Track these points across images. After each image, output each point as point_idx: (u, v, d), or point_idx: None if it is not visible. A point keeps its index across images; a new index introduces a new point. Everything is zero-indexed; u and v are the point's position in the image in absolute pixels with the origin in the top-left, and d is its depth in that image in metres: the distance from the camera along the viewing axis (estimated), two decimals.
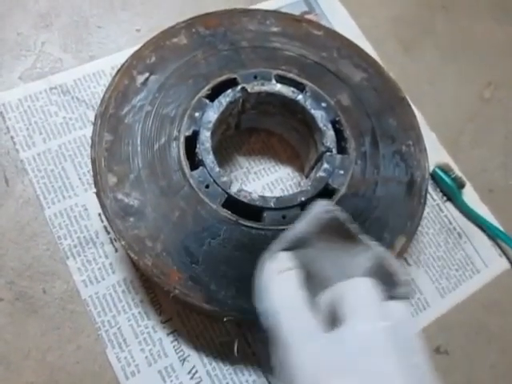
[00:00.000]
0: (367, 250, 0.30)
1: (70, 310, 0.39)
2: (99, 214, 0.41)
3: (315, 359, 0.24)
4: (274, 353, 0.26)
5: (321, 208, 0.30)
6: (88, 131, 0.44)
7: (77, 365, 0.37)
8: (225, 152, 0.45)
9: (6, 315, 0.38)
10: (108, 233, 0.41)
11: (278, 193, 0.44)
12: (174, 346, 0.38)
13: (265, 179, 0.45)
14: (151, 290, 0.39)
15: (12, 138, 0.43)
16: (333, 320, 0.26)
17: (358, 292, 0.26)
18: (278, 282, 0.28)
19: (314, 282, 0.29)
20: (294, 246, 0.30)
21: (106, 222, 0.41)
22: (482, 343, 0.43)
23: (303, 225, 0.30)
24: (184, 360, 0.38)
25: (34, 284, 0.39)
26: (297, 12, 0.53)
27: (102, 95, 0.44)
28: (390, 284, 0.28)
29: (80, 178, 0.42)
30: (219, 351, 0.38)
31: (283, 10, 0.52)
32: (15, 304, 0.38)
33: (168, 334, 0.38)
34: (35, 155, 0.42)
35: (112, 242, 0.40)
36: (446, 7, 0.58)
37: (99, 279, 0.39)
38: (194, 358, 0.38)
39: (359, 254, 0.30)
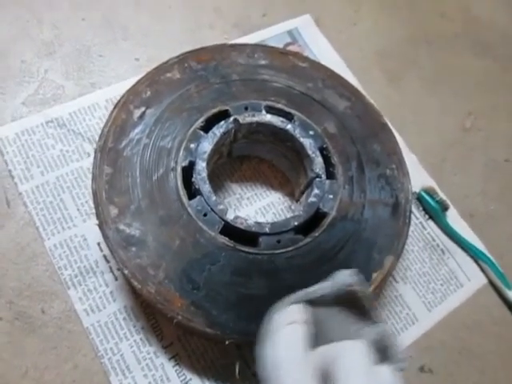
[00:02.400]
0: (375, 325, 0.31)
1: (68, 330, 0.40)
2: (98, 244, 0.42)
3: None
4: None
5: (345, 279, 0.32)
6: (85, 163, 0.45)
7: (73, 383, 0.38)
8: (218, 179, 0.47)
9: (4, 334, 0.39)
10: (108, 262, 0.42)
11: (270, 217, 0.46)
12: (176, 370, 0.39)
13: (257, 204, 0.47)
14: (152, 316, 0.40)
15: (10, 171, 0.44)
16: (324, 376, 0.27)
17: (349, 356, 0.27)
18: (283, 334, 0.29)
19: (318, 341, 0.30)
20: (305, 304, 0.31)
21: (105, 251, 0.42)
22: (464, 362, 0.45)
23: (321, 286, 0.32)
24: (186, 383, 0.39)
25: (33, 304, 0.40)
26: (281, 43, 0.56)
27: (97, 128, 0.46)
28: (386, 356, 0.30)
29: (78, 209, 0.43)
30: (220, 373, 0.40)
31: (268, 42, 0.55)
32: (14, 323, 0.39)
33: (170, 359, 0.39)
34: (33, 188, 0.43)
35: (112, 271, 0.42)
36: (429, 42, 0.61)
37: (100, 308, 0.40)
38: (196, 381, 0.39)
39: (364, 328, 0.31)
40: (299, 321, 0.29)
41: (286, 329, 0.29)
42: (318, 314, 0.31)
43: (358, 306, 0.32)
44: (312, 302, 0.31)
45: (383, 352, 0.30)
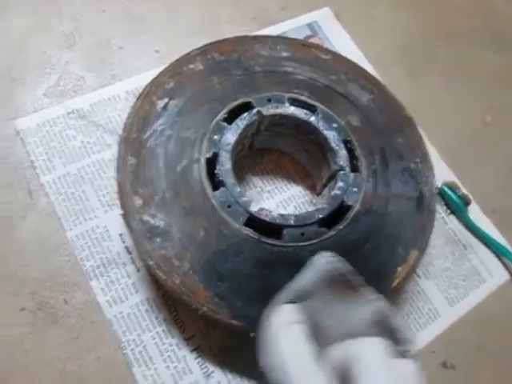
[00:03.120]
0: (369, 304, 0.31)
1: (90, 321, 0.39)
2: (120, 235, 0.42)
3: None
4: None
5: (322, 259, 0.31)
6: (106, 154, 0.45)
7: (96, 375, 0.38)
8: (239, 172, 0.47)
9: (27, 325, 0.39)
10: (129, 253, 0.42)
11: (291, 210, 0.46)
12: (198, 363, 0.39)
13: (278, 197, 0.46)
14: (173, 308, 0.40)
15: (32, 162, 0.44)
16: (343, 377, 0.27)
17: (369, 354, 0.27)
18: (285, 336, 0.28)
19: (318, 334, 0.30)
20: (297, 299, 0.31)
21: (127, 243, 0.42)
22: (486, 358, 0.44)
23: (306, 277, 0.31)
24: (208, 376, 0.39)
25: (56, 294, 0.40)
26: (300, 36, 0.55)
27: (118, 119, 0.46)
28: (393, 340, 0.29)
29: (100, 200, 0.43)
30: (242, 367, 0.39)
31: (287, 35, 0.54)
32: (37, 314, 0.39)
33: (192, 351, 0.39)
34: (55, 179, 0.43)
35: (134, 262, 0.41)
36: (448, 36, 0.61)
37: (123, 299, 0.40)
38: (219, 374, 0.39)
39: (361, 307, 0.31)
40: (297, 321, 0.29)
41: (286, 332, 0.29)
42: (310, 308, 0.30)
43: (345, 285, 0.31)
44: (301, 298, 0.31)
45: (391, 336, 0.29)
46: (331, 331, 0.30)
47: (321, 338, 0.30)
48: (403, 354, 0.29)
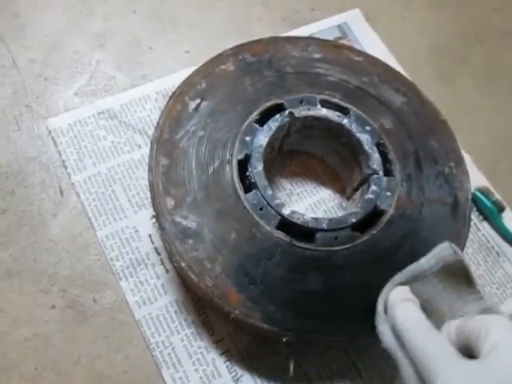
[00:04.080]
0: (478, 301, 0.32)
1: (119, 320, 0.40)
2: (149, 236, 0.42)
3: (471, 380, 0.26)
4: (407, 367, 0.29)
5: (448, 250, 0.33)
6: (136, 155, 0.45)
7: (125, 374, 0.38)
8: (268, 174, 0.46)
9: (57, 322, 0.39)
10: (159, 254, 0.42)
11: (321, 214, 0.45)
12: (227, 366, 0.39)
13: (307, 200, 0.46)
14: (202, 310, 0.40)
15: (63, 161, 0.44)
16: (462, 348, 0.28)
17: (503, 329, 0.27)
18: (405, 305, 0.31)
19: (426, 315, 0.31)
20: (413, 278, 0.33)
21: (156, 244, 0.42)
22: None
23: (429, 261, 0.33)
24: (237, 380, 0.38)
25: (85, 293, 0.40)
26: (330, 37, 0.54)
27: (147, 120, 0.46)
28: None
29: (129, 200, 0.43)
30: (271, 371, 0.39)
31: (317, 36, 0.54)
32: (67, 312, 0.39)
33: (221, 355, 0.39)
34: (86, 178, 0.44)
35: (163, 263, 0.41)
36: (481, 38, 0.60)
37: (152, 300, 0.40)
38: (247, 379, 0.39)
39: (470, 302, 0.32)
40: (411, 299, 0.32)
41: (403, 304, 0.31)
42: (422, 289, 0.33)
43: (460, 277, 0.32)
44: (418, 279, 0.33)
45: None
46: (440, 319, 0.32)
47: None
48: None
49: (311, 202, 0.46)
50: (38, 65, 0.49)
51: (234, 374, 0.39)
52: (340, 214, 0.45)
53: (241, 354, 0.39)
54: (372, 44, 0.55)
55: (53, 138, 0.45)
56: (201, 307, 0.40)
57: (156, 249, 0.42)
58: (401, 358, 0.30)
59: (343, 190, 0.47)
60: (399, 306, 0.31)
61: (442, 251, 0.33)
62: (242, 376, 0.39)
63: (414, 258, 0.38)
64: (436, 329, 0.30)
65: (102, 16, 0.52)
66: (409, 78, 0.52)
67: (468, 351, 0.28)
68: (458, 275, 0.33)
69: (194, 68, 0.43)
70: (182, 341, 0.39)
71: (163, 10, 0.54)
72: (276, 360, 0.39)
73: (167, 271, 0.41)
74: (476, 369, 0.26)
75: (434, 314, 0.32)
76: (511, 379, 0.25)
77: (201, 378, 0.38)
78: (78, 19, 0.52)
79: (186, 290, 0.41)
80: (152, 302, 0.40)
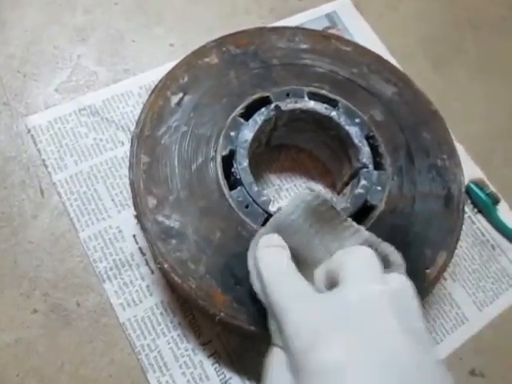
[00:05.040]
0: (355, 233, 0.31)
1: (103, 324, 0.38)
2: (134, 236, 0.41)
3: (314, 317, 0.24)
4: (271, 320, 0.28)
5: (305, 191, 0.31)
6: (119, 152, 0.44)
7: (110, 379, 0.37)
8: (255, 170, 0.44)
9: (40, 327, 0.38)
10: (143, 254, 0.40)
11: None
12: (215, 369, 0.37)
13: None
14: (189, 312, 0.39)
15: (44, 160, 0.42)
16: (330, 287, 0.27)
17: (359, 257, 0.27)
18: (268, 253, 0.30)
19: (301, 266, 0.30)
20: (281, 230, 0.31)
21: (141, 244, 0.41)
22: None
23: (290, 208, 0.32)
24: (226, 383, 0.37)
25: (68, 296, 0.39)
26: (319, 27, 0.53)
27: (130, 116, 0.45)
28: (385, 264, 0.29)
29: (113, 200, 0.42)
30: (260, 373, 0.38)
31: (306, 26, 0.52)
32: (49, 316, 0.38)
33: (209, 357, 0.38)
34: (67, 177, 0.42)
35: (148, 264, 0.40)
36: (475, 26, 0.58)
37: (137, 302, 0.39)
38: (236, 381, 0.37)
39: (348, 237, 0.31)
40: (277, 245, 0.31)
41: (269, 250, 0.30)
42: (295, 240, 0.31)
43: (329, 217, 0.31)
44: (286, 229, 0.31)
45: (380, 258, 0.28)
46: (315, 261, 0.30)
47: (306, 269, 0.30)
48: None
49: None
50: (17, 60, 0.47)
51: (222, 376, 0.37)
52: None
53: (229, 356, 0.38)
54: (362, 33, 0.54)
55: (32, 136, 0.43)
56: (187, 308, 0.39)
57: (140, 249, 0.41)
58: (267, 312, 0.29)
59: (333, 184, 0.45)
60: (263, 254, 0.30)
61: (300, 194, 0.32)
62: (230, 378, 0.37)
63: (405, 254, 0.37)
64: (298, 273, 0.28)
65: (82, 9, 0.51)
66: (401, 68, 0.51)
67: None
68: (327, 215, 0.31)
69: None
70: (169, 343, 0.38)
71: (147, 1, 0.53)
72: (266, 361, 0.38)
73: (152, 272, 0.40)
74: (323, 301, 0.25)
75: (310, 262, 0.31)
76: (357, 307, 0.24)
77: (188, 381, 0.37)
78: (58, 13, 0.50)
79: (172, 290, 0.39)
80: (137, 304, 0.39)
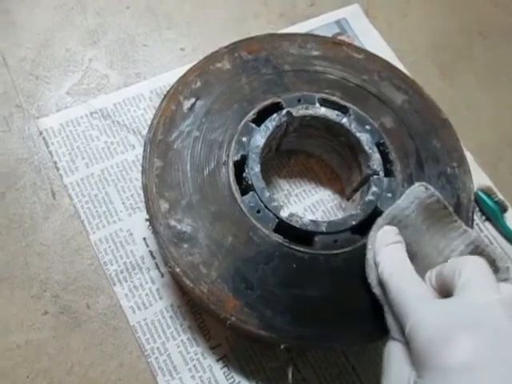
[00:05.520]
0: (463, 234, 0.33)
1: (113, 326, 0.39)
2: (144, 239, 0.41)
3: (440, 319, 0.26)
4: (388, 315, 0.30)
5: (420, 188, 0.33)
6: (130, 155, 0.44)
7: (119, 382, 0.37)
8: (265, 175, 0.45)
9: (50, 329, 0.38)
10: (154, 258, 0.41)
11: (319, 215, 0.44)
12: (224, 373, 0.38)
13: (306, 201, 0.45)
14: (199, 315, 0.39)
15: (55, 163, 0.43)
16: (443, 291, 0.29)
17: (474, 267, 0.28)
18: (389, 250, 0.32)
19: (414, 262, 0.31)
20: (395, 223, 0.33)
21: (151, 247, 0.41)
22: None
23: (404, 202, 0.33)
24: None
25: (78, 298, 0.39)
26: (329, 34, 0.53)
27: (141, 119, 0.45)
28: (493, 268, 0.30)
29: (124, 203, 0.42)
30: (269, 377, 0.38)
31: (316, 32, 0.53)
32: (59, 318, 0.39)
33: (218, 360, 0.38)
34: (78, 180, 0.42)
35: (158, 267, 0.40)
36: (483, 33, 0.58)
37: (147, 305, 0.39)
38: None
39: (456, 237, 0.33)
40: (398, 241, 0.32)
41: (389, 247, 0.32)
42: (406, 233, 0.33)
43: (440, 215, 0.33)
44: (401, 221, 0.33)
45: (487, 260, 0.30)
46: (426, 259, 0.32)
47: (416, 263, 0.32)
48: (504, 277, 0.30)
49: (310, 202, 0.45)
50: (29, 63, 0.47)
51: (231, 380, 0.38)
52: (339, 214, 0.44)
53: (238, 360, 0.38)
54: (372, 40, 0.54)
55: (44, 138, 0.44)
56: (197, 312, 0.39)
57: (151, 252, 0.41)
58: (384, 306, 0.31)
59: (343, 190, 0.45)
60: (383, 251, 0.32)
61: (414, 190, 0.34)
62: (239, 382, 0.38)
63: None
64: (417, 274, 0.30)
65: (94, 12, 0.51)
66: (410, 75, 0.51)
67: (448, 294, 0.29)
68: (438, 213, 0.33)
69: (189, 66, 0.42)
70: (178, 347, 0.38)
71: (158, 5, 0.53)
72: (274, 366, 0.38)
73: (162, 275, 0.40)
74: (446, 306, 0.27)
75: (419, 257, 0.32)
76: (479, 314, 0.26)
77: None
78: (69, 16, 0.50)
79: (182, 294, 0.40)
80: (147, 307, 0.39)
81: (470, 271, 0.28)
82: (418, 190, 0.33)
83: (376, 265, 0.32)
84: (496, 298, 0.26)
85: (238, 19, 0.54)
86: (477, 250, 0.32)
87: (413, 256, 0.32)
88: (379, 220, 0.34)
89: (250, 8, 0.55)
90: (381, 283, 0.31)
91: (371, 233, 0.34)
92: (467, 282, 0.27)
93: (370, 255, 0.33)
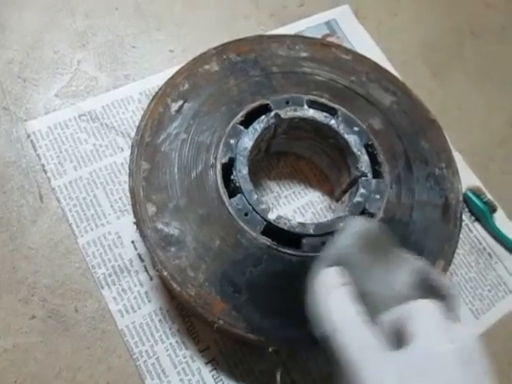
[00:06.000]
0: (408, 263, 0.30)
1: (102, 330, 0.38)
2: (132, 242, 0.41)
3: (387, 375, 0.25)
4: (338, 370, 0.27)
5: (358, 222, 0.31)
6: (118, 158, 0.44)
7: None
8: (254, 177, 0.45)
9: (38, 333, 0.38)
10: (142, 261, 0.40)
11: (309, 216, 0.44)
12: (213, 376, 0.38)
13: (295, 203, 0.45)
14: (187, 318, 0.39)
15: (43, 166, 0.43)
16: (396, 339, 0.27)
17: (427, 314, 0.27)
18: (334, 298, 0.28)
19: (362, 301, 0.29)
20: (337, 263, 0.30)
21: (140, 250, 0.41)
22: None
23: (343, 240, 0.31)
24: None
25: (67, 302, 0.39)
26: (318, 35, 0.53)
27: (130, 121, 0.45)
28: (439, 297, 0.29)
29: (112, 206, 0.42)
30: (259, 380, 0.38)
31: (305, 33, 0.53)
32: (47, 322, 0.38)
33: (206, 363, 0.38)
34: (66, 183, 0.42)
35: (146, 270, 0.40)
36: (474, 33, 0.58)
37: (135, 308, 0.39)
38: None
39: (400, 268, 0.30)
40: (343, 283, 0.29)
41: (334, 293, 0.28)
42: (354, 272, 0.30)
43: (381, 247, 0.31)
44: (342, 260, 0.30)
45: (434, 293, 0.29)
46: (375, 298, 0.30)
47: (366, 305, 0.29)
48: (454, 314, 0.29)
49: (299, 204, 0.45)
50: (17, 66, 0.47)
51: (220, 383, 0.37)
52: (329, 216, 0.44)
53: (227, 363, 0.38)
54: (361, 41, 0.54)
55: (32, 141, 0.43)
56: (186, 315, 0.39)
57: (139, 255, 0.41)
58: (333, 359, 0.27)
59: (332, 191, 0.45)
60: (328, 299, 0.28)
61: (352, 224, 0.31)
62: None
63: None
64: (368, 321, 0.27)
65: (83, 14, 0.51)
66: (400, 75, 0.51)
67: (401, 341, 0.27)
68: (380, 245, 0.31)
69: (178, 67, 0.42)
70: (167, 350, 0.38)
71: (147, 6, 0.53)
72: (264, 368, 0.38)
73: (151, 278, 0.40)
74: (398, 359, 0.25)
75: (368, 296, 0.29)
76: (431, 365, 0.25)
77: None
78: (58, 17, 0.50)
79: (171, 297, 0.39)
80: (135, 311, 0.39)
81: (422, 319, 0.26)
82: (356, 224, 0.31)
83: (321, 317, 0.28)
84: (448, 347, 0.25)
85: (228, 20, 0.54)
86: (423, 278, 0.30)
87: (361, 296, 0.29)
88: (319, 263, 0.31)
89: (240, 9, 0.55)
90: (327, 337, 0.27)
91: (312, 278, 0.30)
92: (418, 332, 0.26)
93: (313, 306, 0.29)
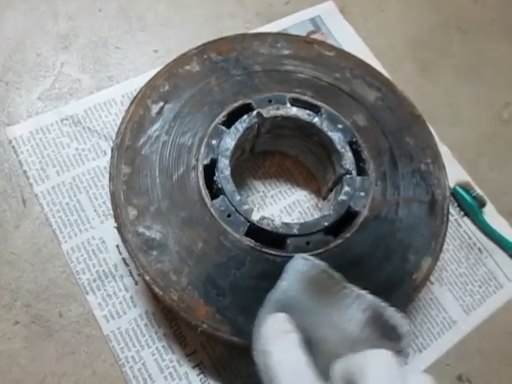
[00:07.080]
0: (358, 301, 0.29)
1: (86, 334, 0.38)
2: (117, 246, 0.41)
3: None
4: None
5: (299, 261, 0.29)
6: (101, 162, 0.43)
7: None
8: (239, 177, 0.45)
9: (21, 339, 0.37)
10: (127, 265, 0.40)
11: (296, 216, 0.44)
12: (200, 379, 0.37)
13: (282, 203, 0.44)
14: (174, 322, 0.39)
15: (25, 172, 0.42)
16: None
17: (379, 365, 0.25)
18: (279, 348, 0.27)
19: (312, 346, 0.28)
20: (283, 307, 0.29)
21: (124, 254, 0.40)
22: (505, 371, 0.42)
23: (286, 281, 0.29)
24: None
25: (50, 307, 0.39)
26: (303, 32, 0.53)
27: (113, 124, 0.45)
28: (392, 337, 0.28)
29: (96, 210, 0.41)
30: (246, 382, 0.38)
31: (290, 31, 0.52)
32: (31, 327, 0.38)
33: (194, 367, 0.38)
34: (49, 189, 0.42)
35: (131, 275, 0.40)
36: (462, 28, 0.58)
37: (120, 314, 0.38)
38: None
39: (350, 305, 0.29)
40: (288, 330, 0.27)
41: (279, 343, 0.27)
42: (298, 317, 0.28)
43: (329, 285, 0.29)
44: (288, 304, 0.29)
45: (387, 331, 0.28)
46: (327, 342, 0.28)
47: (315, 348, 0.28)
48: (404, 354, 0.27)
49: (286, 203, 0.44)
50: None
51: None
52: (316, 215, 0.43)
53: (214, 366, 0.38)
54: (347, 38, 0.53)
55: (13, 147, 0.43)
56: (172, 319, 0.39)
57: (124, 260, 0.40)
58: None
59: (319, 190, 0.45)
60: (272, 350, 0.26)
61: (294, 264, 0.30)
62: None
63: (390, 260, 0.37)
64: (316, 373, 0.25)
65: (66, 16, 0.50)
66: (387, 72, 0.51)
67: None
68: (326, 284, 0.29)
69: None
70: (153, 355, 0.37)
71: (131, 7, 0.52)
72: (252, 371, 0.37)
73: (136, 283, 0.40)
74: None
75: (316, 341, 0.28)
76: None
77: None
78: (40, 20, 0.50)
79: (156, 301, 0.39)
80: (121, 316, 0.38)
81: (374, 371, 0.25)
82: (298, 264, 0.29)
83: (265, 370, 0.26)
84: None
85: (213, 19, 0.53)
86: (375, 315, 0.28)
87: (308, 342, 0.28)
88: (263, 311, 0.29)
89: (225, 8, 0.54)
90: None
91: (255, 328, 0.29)
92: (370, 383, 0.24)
93: (257, 358, 0.27)
